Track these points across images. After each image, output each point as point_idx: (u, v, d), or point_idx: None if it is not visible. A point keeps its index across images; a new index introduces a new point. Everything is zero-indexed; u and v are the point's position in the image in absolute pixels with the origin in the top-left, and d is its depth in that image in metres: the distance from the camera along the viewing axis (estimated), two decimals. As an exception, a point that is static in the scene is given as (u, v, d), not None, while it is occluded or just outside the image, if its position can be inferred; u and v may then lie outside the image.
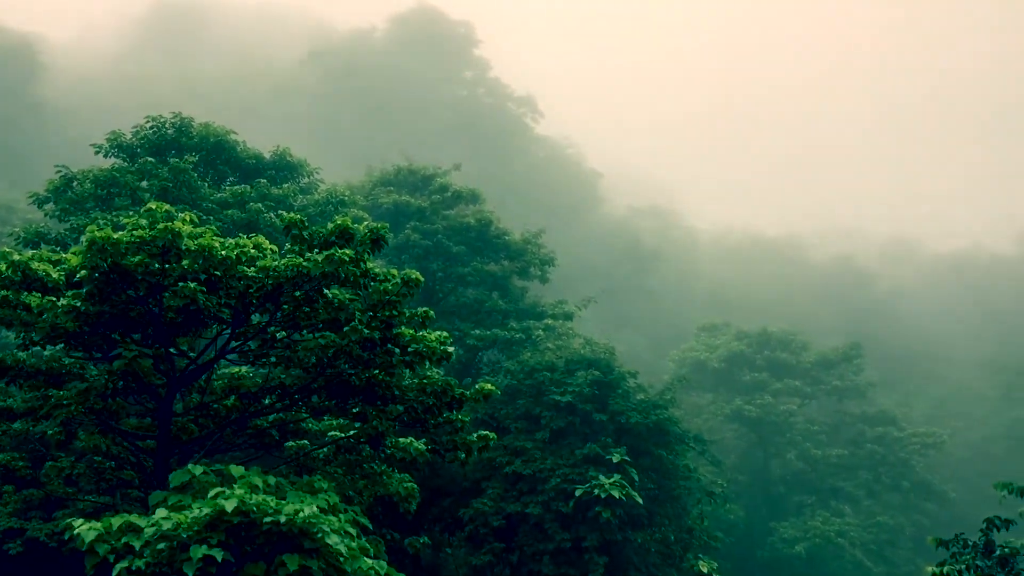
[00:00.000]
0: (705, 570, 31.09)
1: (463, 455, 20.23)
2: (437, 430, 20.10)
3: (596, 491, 29.10)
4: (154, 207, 16.86)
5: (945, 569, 14.20)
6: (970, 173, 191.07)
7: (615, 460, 30.34)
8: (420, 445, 20.03)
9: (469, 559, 29.91)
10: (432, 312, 19.30)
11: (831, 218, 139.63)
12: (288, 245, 17.64)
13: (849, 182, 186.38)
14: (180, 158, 29.85)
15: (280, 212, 27.65)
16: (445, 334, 18.66)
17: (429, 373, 21.39)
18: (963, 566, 14.16)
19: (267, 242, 17.40)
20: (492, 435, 20.52)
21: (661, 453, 33.46)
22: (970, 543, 14.76)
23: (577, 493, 29.47)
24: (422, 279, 18.27)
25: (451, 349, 18.55)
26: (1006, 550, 14.20)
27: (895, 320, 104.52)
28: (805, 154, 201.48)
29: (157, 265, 16.25)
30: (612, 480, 29.32)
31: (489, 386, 19.95)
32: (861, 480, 62.55)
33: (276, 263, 16.63)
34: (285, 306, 17.46)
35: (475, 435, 20.32)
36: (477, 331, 37.30)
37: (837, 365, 67.90)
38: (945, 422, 76.21)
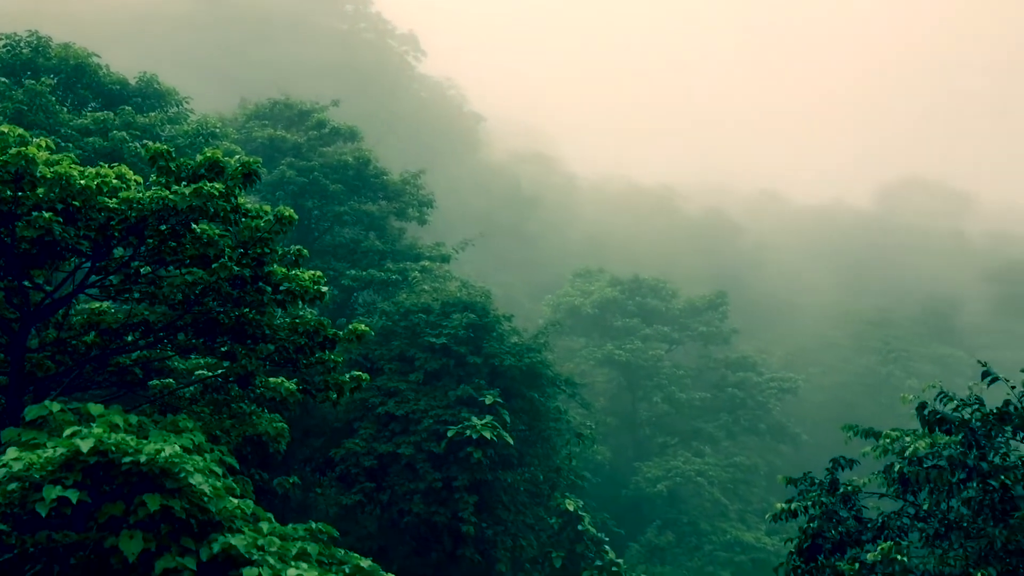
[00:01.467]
0: (571, 508, 32.02)
1: (335, 396, 20.03)
2: (309, 370, 19.82)
3: (468, 432, 29.45)
4: (6, 130, 15.79)
5: (792, 505, 15.06)
6: (834, 130, 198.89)
7: (488, 402, 30.74)
8: (291, 385, 19.73)
9: (340, 499, 29.92)
10: (306, 251, 18.87)
11: (704, 171, 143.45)
12: (154, 177, 16.86)
13: (724, 136, 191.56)
14: (37, 80, 28.03)
15: (146, 142, 26.32)
16: (319, 274, 18.32)
17: (302, 313, 21.04)
18: (809, 502, 15.01)
19: (131, 173, 16.57)
20: (365, 376, 20.37)
21: (533, 395, 34.09)
22: (816, 481, 15.63)
23: (449, 434, 29.75)
24: (296, 217, 17.82)
25: (325, 289, 18.23)
26: (849, 488, 15.11)
27: (760, 270, 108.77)
28: (684, 107, 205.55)
29: (9, 193, 15.30)
30: (484, 421, 29.71)
31: (363, 327, 19.75)
32: (722, 422, 65.41)
33: (140, 195, 15.89)
34: (150, 240, 16.74)
35: (348, 376, 20.13)
36: (353, 271, 36.85)
37: (704, 312, 70.35)
38: (801, 368, 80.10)
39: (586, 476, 38.73)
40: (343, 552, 14.52)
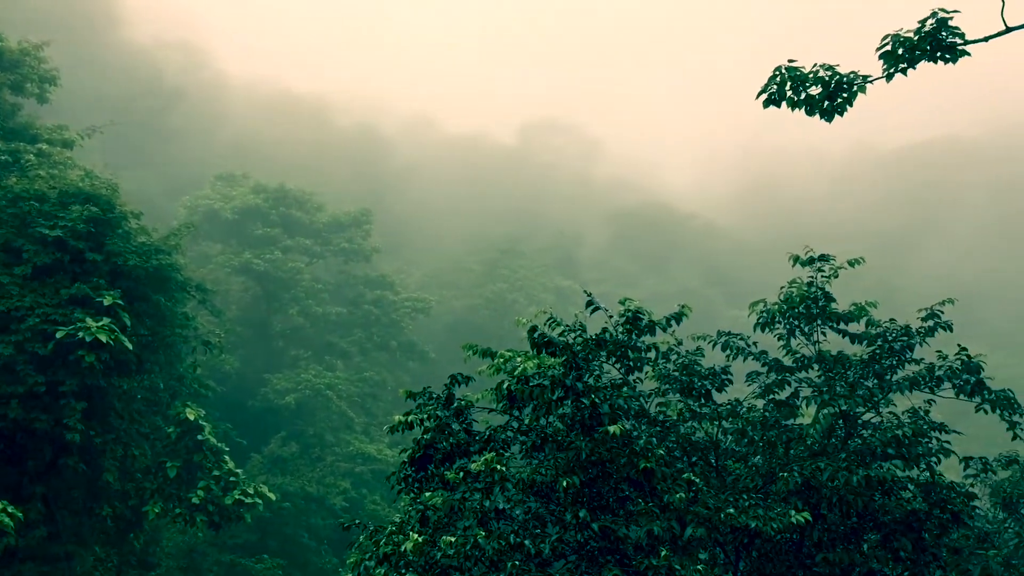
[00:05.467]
0: (191, 417, 30.88)
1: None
2: None
3: (81, 334, 27.14)
4: None
5: (409, 418, 15.66)
6: (490, 63, 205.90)
7: (107, 303, 28.45)
8: None
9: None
10: None
11: (361, 86, 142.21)
12: None
13: (384, 53, 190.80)
14: None
15: None
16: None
17: None
18: (425, 415, 15.69)
19: None
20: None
21: (159, 299, 32.19)
22: (434, 396, 16.35)
23: (58, 335, 27.23)
24: None
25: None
26: (463, 403, 15.99)
27: (407, 192, 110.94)
28: (346, 20, 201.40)
29: None
30: (101, 323, 27.51)
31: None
32: (355, 338, 66.50)
33: None
34: None
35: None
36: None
37: (347, 228, 70.45)
38: (436, 290, 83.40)
39: (211, 385, 37.49)
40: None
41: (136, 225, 33.22)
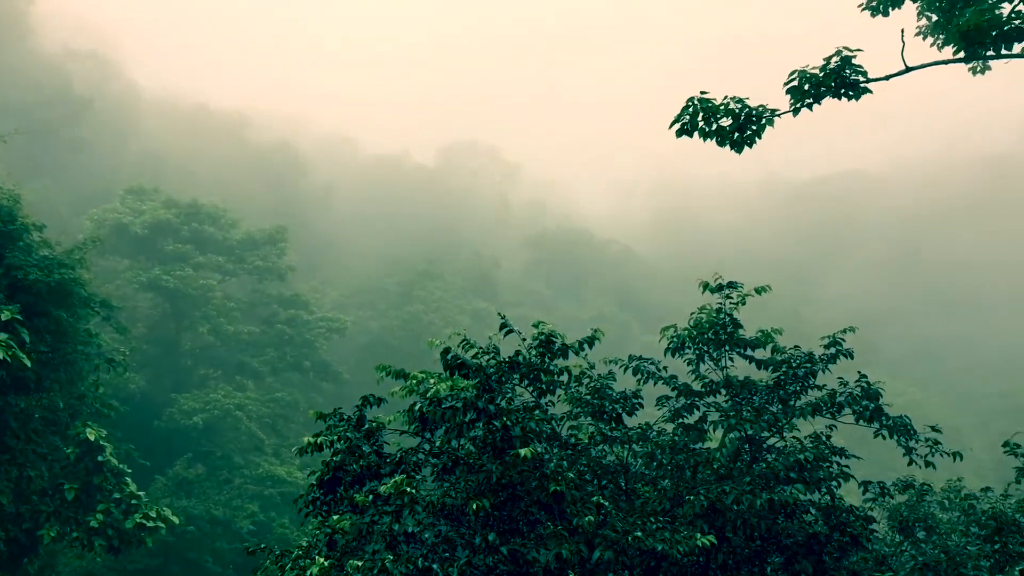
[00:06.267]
0: (92, 437, 29.81)
1: None
2: None
3: (-26, 350, 26.02)
4: None
5: (319, 440, 15.41)
6: (412, 83, 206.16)
7: (4, 318, 27.35)
8: None
9: None
10: None
11: (281, 103, 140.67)
12: None
13: (302, 70, 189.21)
14: None
15: None
16: None
17: None
18: (335, 437, 15.47)
19: None
20: None
21: (61, 315, 31.12)
22: (345, 417, 16.15)
23: (-50, 351, 26.07)
24: None
25: None
26: (374, 424, 15.82)
27: (326, 211, 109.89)
28: (263, 32, 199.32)
29: None
30: (-3, 339, 26.45)
31: None
32: (268, 358, 65.25)
33: None
34: None
35: None
36: None
37: (262, 246, 69.29)
38: (352, 311, 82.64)
39: (114, 405, 36.21)
40: None
41: (38, 238, 32.11)
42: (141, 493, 31.50)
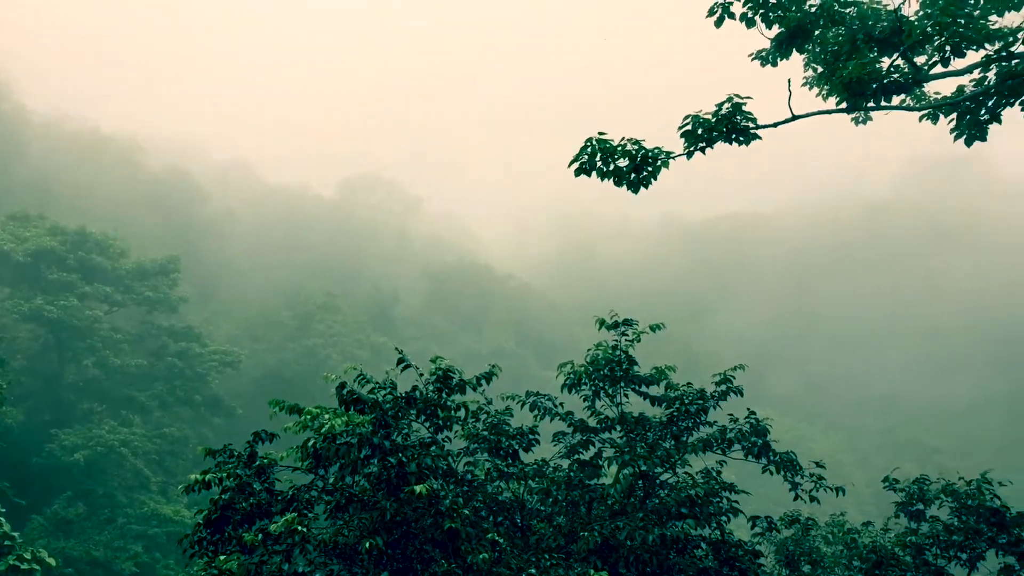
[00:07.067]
0: (-37, 476, 28.26)
1: None
2: None
3: None
4: None
5: (207, 477, 14.92)
6: (315, 114, 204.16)
7: None
8: None
9: None
10: None
11: (176, 129, 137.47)
12: None
13: (201, 99, 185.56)
14: None
15: None
16: None
17: None
18: (225, 474, 15.02)
19: None
20: None
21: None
22: (236, 454, 15.70)
23: None
24: None
25: None
26: (265, 461, 15.41)
27: (222, 240, 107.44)
28: (163, 57, 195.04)
29: None
30: None
31: None
32: (156, 391, 63.06)
33: None
34: None
35: None
36: None
37: (153, 276, 67.29)
38: (247, 343, 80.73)
39: (-12, 440, 34.53)
40: None
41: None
42: (16, 534, 29.97)
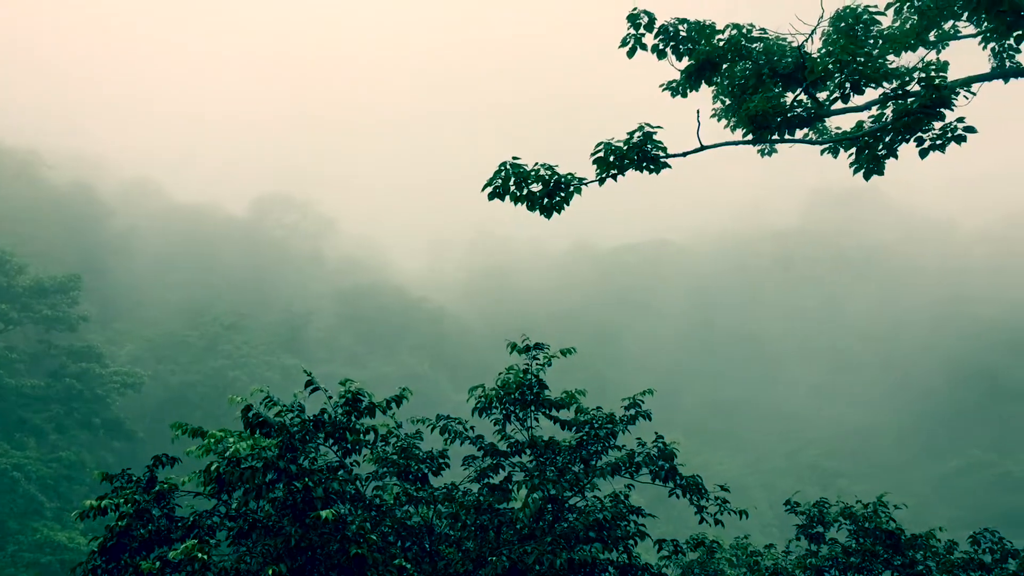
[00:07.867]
0: None
1: None
2: None
3: None
4: None
5: (103, 503, 14.41)
6: (224, 131, 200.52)
7: None
8: None
9: None
10: None
11: (79, 142, 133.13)
12: None
13: (106, 111, 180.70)
14: None
15: None
16: None
17: None
18: (122, 500, 14.53)
19: None
20: None
21: None
22: (135, 478, 15.22)
23: None
24: None
25: None
26: (165, 486, 14.97)
27: (127, 258, 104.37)
28: (67, 70, 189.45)
29: None
30: None
31: None
32: (53, 413, 60.74)
33: None
34: None
35: None
36: None
37: (52, 294, 65.00)
38: (151, 364, 78.36)
39: None
40: None
41: None
42: None
